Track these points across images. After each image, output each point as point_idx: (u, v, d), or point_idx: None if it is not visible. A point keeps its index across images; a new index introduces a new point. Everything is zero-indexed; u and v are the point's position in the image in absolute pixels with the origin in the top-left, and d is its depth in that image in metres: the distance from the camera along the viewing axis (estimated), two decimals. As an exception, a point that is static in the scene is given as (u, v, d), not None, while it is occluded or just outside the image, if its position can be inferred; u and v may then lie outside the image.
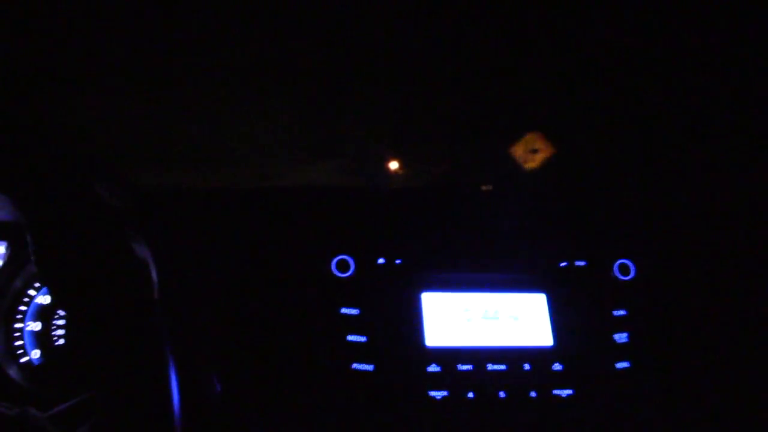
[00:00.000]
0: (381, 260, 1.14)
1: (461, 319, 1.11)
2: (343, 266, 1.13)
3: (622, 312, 1.15)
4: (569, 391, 1.08)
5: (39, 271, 0.67)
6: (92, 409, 0.69)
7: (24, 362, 1.14)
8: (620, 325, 1.14)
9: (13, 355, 1.14)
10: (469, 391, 1.06)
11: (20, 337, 1.15)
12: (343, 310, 1.10)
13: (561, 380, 1.09)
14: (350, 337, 1.08)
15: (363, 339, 1.08)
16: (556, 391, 1.08)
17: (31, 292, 1.16)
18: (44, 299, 1.16)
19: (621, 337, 1.13)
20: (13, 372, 1.12)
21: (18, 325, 1.15)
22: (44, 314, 1.16)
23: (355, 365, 1.06)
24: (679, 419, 1.12)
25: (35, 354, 1.15)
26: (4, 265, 1.16)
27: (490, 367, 1.08)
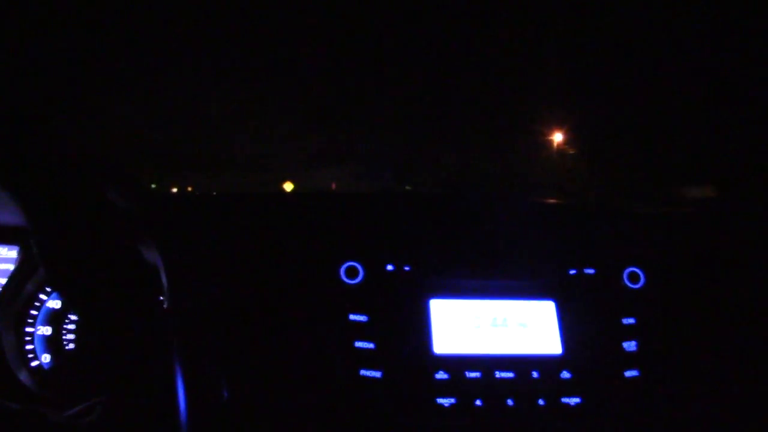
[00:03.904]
0: (390, 267, 1.14)
1: (470, 326, 1.11)
2: (351, 273, 1.13)
3: (631, 320, 1.14)
4: (577, 400, 1.07)
5: (47, 274, 0.68)
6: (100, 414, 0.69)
7: (35, 366, 1.15)
8: (629, 333, 1.13)
9: (23, 359, 1.15)
10: (477, 399, 1.06)
11: (31, 341, 1.16)
12: (352, 317, 1.10)
13: (569, 388, 1.08)
14: (358, 344, 1.08)
15: (371, 345, 1.08)
16: (564, 399, 1.07)
17: (42, 297, 1.17)
18: (55, 304, 1.17)
19: (630, 346, 1.13)
20: (23, 376, 1.13)
21: (29, 329, 1.16)
22: (55, 319, 1.17)
23: (363, 372, 1.06)
24: (689, 429, 1.12)
25: (46, 358, 1.15)
26: (16, 269, 1.17)
27: (498, 374, 1.08)
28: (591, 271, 1.17)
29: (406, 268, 1.14)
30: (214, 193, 1.36)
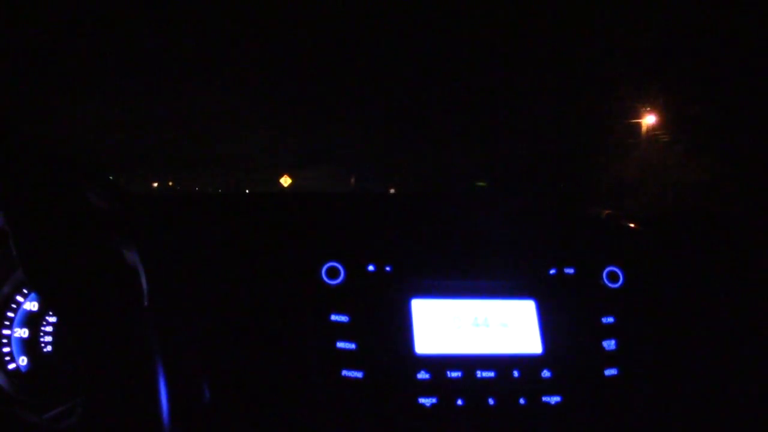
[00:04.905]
0: (371, 267, 1.14)
1: (451, 326, 1.11)
2: (333, 273, 1.12)
3: (610, 319, 1.15)
4: (558, 398, 1.08)
5: (26, 275, 0.67)
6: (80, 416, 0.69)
7: (12, 369, 1.13)
8: (609, 332, 1.14)
9: (0, 362, 1.13)
10: (459, 398, 1.06)
11: (8, 344, 1.14)
12: (333, 317, 1.10)
13: (550, 387, 1.09)
14: (340, 344, 1.08)
15: (353, 346, 1.08)
16: (545, 398, 1.08)
17: (19, 298, 1.16)
18: (32, 306, 1.16)
19: (609, 344, 1.13)
20: (0, 379, 1.11)
21: (6, 332, 1.14)
22: (32, 321, 1.15)
23: (344, 372, 1.06)
24: (667, 427, 1.13)
25: (23, 361, 1.14)
26: (-8, 271, 1.16)
27: (479, 374, 1.08)
28: (571, 270, 1.18)
29: (388, 269, 1.14)
30: (196, 188, 1.35)
